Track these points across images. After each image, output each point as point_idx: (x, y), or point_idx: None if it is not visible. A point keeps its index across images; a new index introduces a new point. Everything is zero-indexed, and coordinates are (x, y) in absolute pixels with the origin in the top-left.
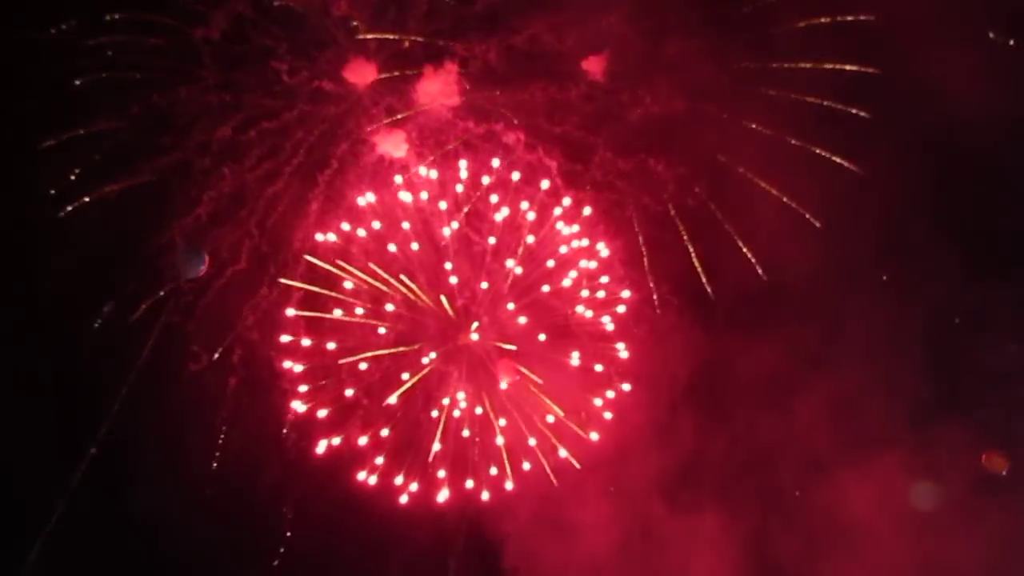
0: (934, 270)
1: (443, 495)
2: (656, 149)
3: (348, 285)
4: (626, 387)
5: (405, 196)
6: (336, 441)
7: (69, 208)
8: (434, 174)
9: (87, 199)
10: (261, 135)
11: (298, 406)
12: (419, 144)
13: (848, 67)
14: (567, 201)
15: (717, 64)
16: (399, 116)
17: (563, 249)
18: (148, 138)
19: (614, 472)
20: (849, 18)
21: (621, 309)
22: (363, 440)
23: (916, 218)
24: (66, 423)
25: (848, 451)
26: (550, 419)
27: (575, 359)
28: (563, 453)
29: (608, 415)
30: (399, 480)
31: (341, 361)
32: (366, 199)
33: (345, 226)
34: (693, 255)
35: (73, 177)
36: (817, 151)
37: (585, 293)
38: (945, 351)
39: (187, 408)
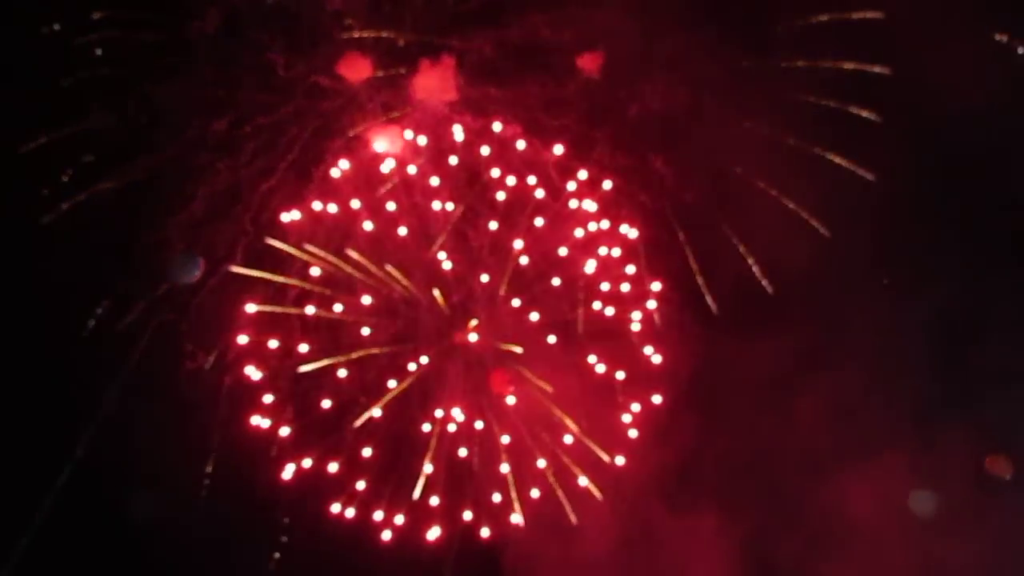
0: (937, 269)
1: (434, 532)
2: (655, 147)
3: (315, 272)
4: (656, 399)
5: (388, 164)
6: (307, 463)
7: (63, 207)
8: (423, 140)
9: (81, 198)
10: (256, 131)
11: (260, 421)
12: (415, 139)
13: (850, 65)
14: (583, 175)
15: (718, 61)
16: (395, 114)
17: (578, 232)
18: (142, 135)
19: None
20: (853, 16)
21: (651, 305)
22: (334, 467)
23: (920, 218)
24: (58, 424)
25: (861, 452)
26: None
27: (592, 365)
28: (583, 481)
29: (634, 433)
30: (379, 516)
31: (303, 368)
32: (340, 169)
33: (317, 205)
34: (691, 257)
35: (66, 177)
36: (819, 151)
37: (606, 286)
38: (949, 351)
39: (181, 408)
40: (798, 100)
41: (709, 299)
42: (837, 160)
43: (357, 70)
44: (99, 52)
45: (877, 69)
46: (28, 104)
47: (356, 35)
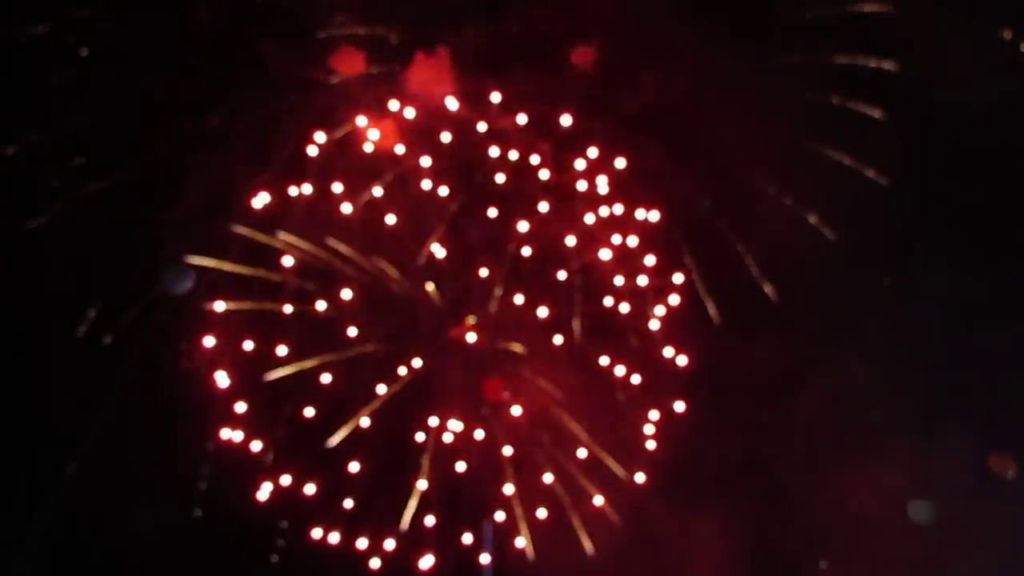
0: (942, 265)
1: (428, 561)
2: (654, 142)
3: (287, 261)
4: (679, 406)
5: (372, 135)
6: (286, 480)
7: (53, 209)
8: (411, 112)
9: (72, 198)
10: (249, 126)
11: (232, 434)
12: (411, 132)
13: (849, 58)
14: (593, 153)
15: (719, 54)
16: (390, 108)
17: (589, 218)
18: (133, 132)
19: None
20: (858, 9)
21: (674, 300)
22: (316, 485)
23: (924, 213)
24: (53, 429)
25: (864, 449)
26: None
27: (606, 367)
28: (598, 500)
29: (652, 444)
30: (363, 543)
31: (276, 374)
32: (316, 145)
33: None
34: (689, 256)
35: (55, 178)
36: (821, 146)
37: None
38: (953, 347)
39: (177, 412)
40: (801, 95)
41: (707, 299)
42: (839, 155)
43: (351, 64)
44: (87, 49)
45: (875, 63)
46: (15, 106)
47: (350, 29)
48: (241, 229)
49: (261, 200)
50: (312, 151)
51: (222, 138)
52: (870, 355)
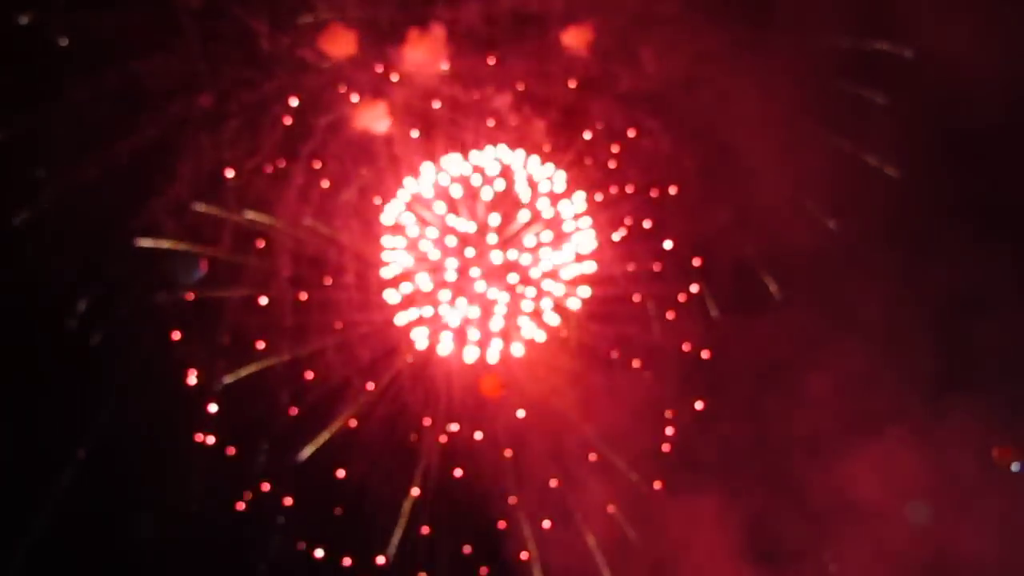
0: (943, 250)
1: None
2: (652, 123)
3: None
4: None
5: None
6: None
7: (44, 198)
8: (395, 77)
9: (64, 185)
10: (240, 107)
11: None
12: (403, 113)
13: (849, 40)
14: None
15: (716, 34)
16: (387, 75)
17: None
18: (124, 114)
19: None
20: None
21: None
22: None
23: (926, 197)
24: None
25: (866, 435)
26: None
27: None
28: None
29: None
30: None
31: (228, 379)
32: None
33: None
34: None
35: (47, 164)
36: (823, 129)
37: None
38: (956, 334)
39: (174, 407)
40: (801, 77)
41: (705, 289)
42: (841, 140)
43: (342, 44)
44: (75, 31)
45: (877, 46)
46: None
47: (340, 8)
48: (229, 214)
49: (244, 181)
50: (300, 130)
51: (212, 120)
52: (873, 342)
